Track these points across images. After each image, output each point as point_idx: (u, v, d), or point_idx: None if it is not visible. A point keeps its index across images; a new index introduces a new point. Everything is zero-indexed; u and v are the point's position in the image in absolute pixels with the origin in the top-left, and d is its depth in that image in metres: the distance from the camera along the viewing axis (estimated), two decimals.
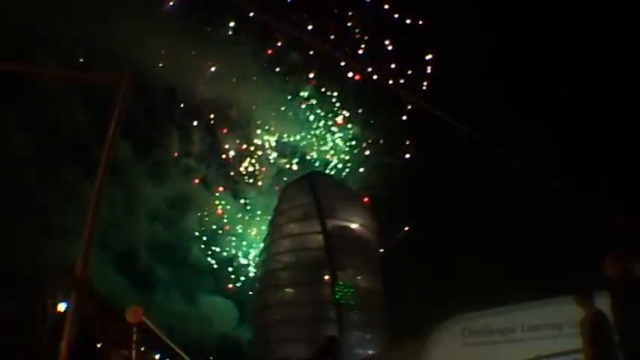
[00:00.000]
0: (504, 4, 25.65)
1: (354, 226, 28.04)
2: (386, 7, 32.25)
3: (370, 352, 23.86)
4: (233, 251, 37.47)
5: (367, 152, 35.62)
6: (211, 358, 31.95)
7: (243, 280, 36.87)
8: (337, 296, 25.25)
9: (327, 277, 26.45)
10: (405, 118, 31.90)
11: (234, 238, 37.51)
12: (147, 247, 35.45)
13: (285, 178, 36.40)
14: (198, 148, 38.02)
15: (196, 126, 37.28)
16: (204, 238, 37.60)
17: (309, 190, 28.63)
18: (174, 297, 35.51)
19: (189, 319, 33.78)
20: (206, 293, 37.08)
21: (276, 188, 36.19)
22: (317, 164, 36.93)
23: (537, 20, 24.83)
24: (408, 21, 31.22)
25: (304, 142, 37.33)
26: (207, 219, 37.50)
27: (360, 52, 32.05)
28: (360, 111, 34.90)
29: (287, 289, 27.69)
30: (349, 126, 36.30)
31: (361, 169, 35.79)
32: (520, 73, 24.10)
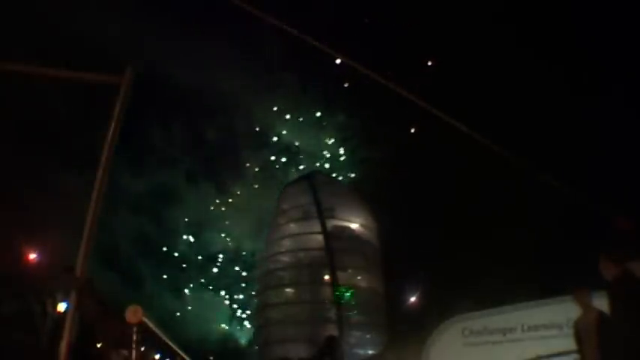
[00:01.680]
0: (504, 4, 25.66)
1: (354, 226, 28.03)
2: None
3: (370, 352, 23.86)
4: (220, 246, 37.28)
5: (355, 145, 35.35)
6: (211, 358, 31.96)
7: (232, 276, 36.73)
8: (338, 295, 25.25)
9: (327, 277, 26.45)
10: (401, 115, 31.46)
11: (221, 233, 37.29)
12: (131, 242, 34.93)
13: (272, 173, 36.30)
14: (181, 139, 37.61)
15: (179, 116, 36.82)
16: (191, 233, 37.31)
17: (309, 190, 28.62)
18: (163, 294, 35.25)
19: (180, 316, 33.64)
20: (195, 290, 36.85)
21: (255, 169, 35.83)
22: (301, 155, 36.86)
23: (535, 19, 24.84)
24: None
25: (290, 134, 37.20)
26: (192, 213, 37.14)
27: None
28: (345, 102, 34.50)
29: (287, 289, 27.69)
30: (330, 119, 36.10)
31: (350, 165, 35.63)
32: (519, 71, 24.09)
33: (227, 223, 37.24)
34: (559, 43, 23.79)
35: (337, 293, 25.33)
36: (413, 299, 25.64)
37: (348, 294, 25.50)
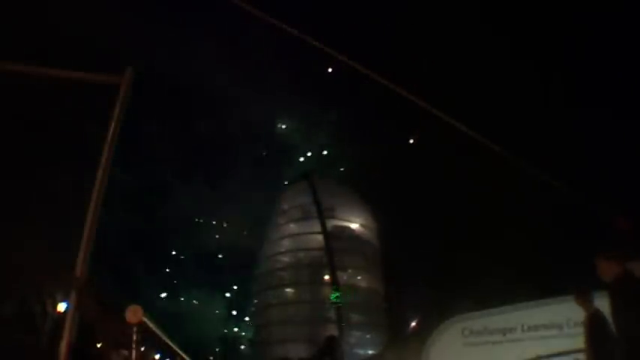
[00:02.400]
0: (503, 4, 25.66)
1: (354, 226, 28.06)
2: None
3: (370, 352, 23.88)
4: (213, 243, 37.17)
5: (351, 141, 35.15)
6: (211, 358, 31.97)
7: (227, 274, 36.59)
8: (333, 297, 25.26)
9: (327, 277, 26.48)
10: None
11: (215, 230, 37.16)
12: (126, 241, 34.64)
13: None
14: (173, 136, 37.39)
15: (172, 112, 36.55)
16: (184, 230, 37.13)
17: (309, 190, 28.64)
18: (161, 293, 35.10)
19: (179, 315, 33.52)
20: (190, 287, 36.70)
21: (248, 165, 35.82)
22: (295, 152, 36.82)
23: (535, 17, 24.86)
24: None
25: (284, 131, 37.11)
26: (186, 210, 36.91)
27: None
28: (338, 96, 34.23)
29: (287, 289, 27.72)
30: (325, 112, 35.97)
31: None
32: (519, 71, 24.09)
33: (221, 220, 37.17)
34: (560, 43, 23.81)
35: (333, 295, 25.35)
36: (413, 301, 25.65)
37: (339, 296, 25.46)
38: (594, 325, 5.38)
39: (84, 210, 3.81)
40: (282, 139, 37.79)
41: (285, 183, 34.17)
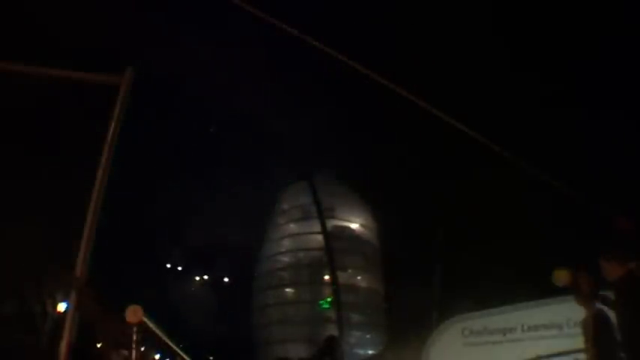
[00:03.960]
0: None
1: (354, 226, 28.09)
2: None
3: (370, 352, 23.91)
4: (213, 242, 36.98)
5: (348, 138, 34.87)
6: (211, 358, 31.94)
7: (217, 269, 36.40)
8: (326, 304, 25.31)
9: (327, 277, 26.50)
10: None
11: (210, 228, 37.00)
12: (123, 240, 34.32)
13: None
14: (159, 128, 36.99)
15: (162, 109, 36.14)
16: (171, 224, 36.84)
17: (309, 190, 28.65)
18: (160, 292, 34.96)
19: (177, 314, 33.43)
20: (190, 287, 36.55)
21: (242, 162, 35.68)
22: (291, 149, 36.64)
23: (535, 16, 24.86)
24: None
25: (280, 127, 36.89)
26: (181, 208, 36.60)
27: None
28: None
29: (287, 289, 27.74)
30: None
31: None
32: (519, 71, 24.09)
33: (222, 220, 37.04)
34: (560, 43, 23.82)
35: (326, 300, 25.41)
36: (413, 301, 25.68)
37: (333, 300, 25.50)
38: (599, 324, 5.37)
39: (84, 210, 3.81)
40: (282, 139, 37.69)
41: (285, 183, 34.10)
